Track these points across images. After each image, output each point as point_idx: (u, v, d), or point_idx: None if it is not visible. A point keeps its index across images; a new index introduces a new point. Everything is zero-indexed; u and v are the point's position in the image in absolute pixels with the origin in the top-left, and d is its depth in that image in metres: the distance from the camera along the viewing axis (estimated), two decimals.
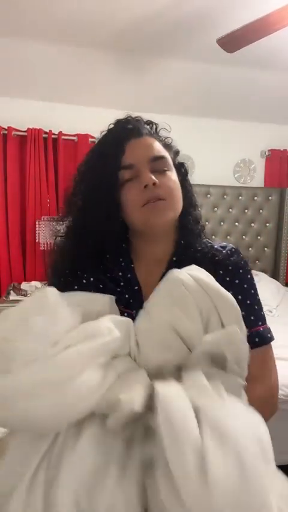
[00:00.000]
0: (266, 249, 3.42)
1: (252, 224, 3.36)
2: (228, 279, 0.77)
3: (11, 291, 2.71)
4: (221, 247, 0.82)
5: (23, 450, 0.58)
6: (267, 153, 3.43)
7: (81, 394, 0.55)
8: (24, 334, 0.57)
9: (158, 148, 0.75)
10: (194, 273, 0.68)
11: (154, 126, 0.81)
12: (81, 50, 2.54)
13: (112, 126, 0.79)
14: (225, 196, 3.26)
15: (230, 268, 0.78)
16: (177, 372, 0.64)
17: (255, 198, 3.33)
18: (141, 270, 0.81)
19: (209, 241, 0.84)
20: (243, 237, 3.37)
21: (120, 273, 0.80)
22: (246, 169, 3.45)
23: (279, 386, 1.62)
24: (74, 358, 0.56)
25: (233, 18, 2.07)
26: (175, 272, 0.68)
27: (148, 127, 0.79)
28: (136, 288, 0.79)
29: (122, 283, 0.79)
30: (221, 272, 0.77)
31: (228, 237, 3.32)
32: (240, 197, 3.30)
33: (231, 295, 0.66)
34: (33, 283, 2.82)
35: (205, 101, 3.08)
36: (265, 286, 2.88)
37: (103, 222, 0.74)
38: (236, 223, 3.33)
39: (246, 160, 3.43)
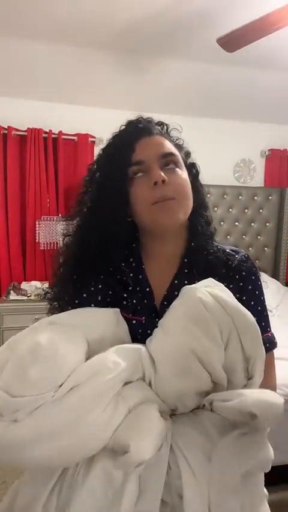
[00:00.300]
0: (266, 248, 3.42)
1: (252, 224, 3.36)
2: (241, 284, 0.78)
3: (11, 291, 2.71)
4: (233, 251, 0.82)
5: (36, 480, 0.59)
6: (267, 153, 3.43)
7: (90, 435, 0.54)
8: (24, 387, 0.56)
9: (169, 146, 0.75)
10: (213, 291, 0.65)
11: (165, 127, 0.80)
12: (81, 50, 2.54)
13: (123, 126, 0.78)
14: (225, 196, 3.26)
15: (244, 274, 0.78)
16: (196, 395, 0.63)
17: (255, 197, 3.33)
18: (152, 270, 0.80)
19: (220, 244, 0.83)
20: (243, 236, 3.37)
21: (131, 274, 0.78)
22: (246, 169, 3.45)
23: (280, 386, 1.63)
24: (80, 399, 0.55)
25: (233, 18, 2.07)
26: (193, 289, 0.65)
27: (159, 127, 0.79)
28: (148, 289, 0.78)
29: (130, 288, 0.77)
30: (237, 277, 0.78)
31: (228, 237, 3.33)
32: (240, 197, 3.30)
33: (251, 315, 0.65)
34: (33, 282, 2.82)
35: (205, 101, 3.08)
36: (265, 286, 2.87)
37: (113, 220, 0.73)
38: (236, 223, 3.33)
39: (246, 160, 3.43)
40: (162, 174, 0.70)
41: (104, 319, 0.70)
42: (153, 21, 2.21)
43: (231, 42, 1.91)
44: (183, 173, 0.75)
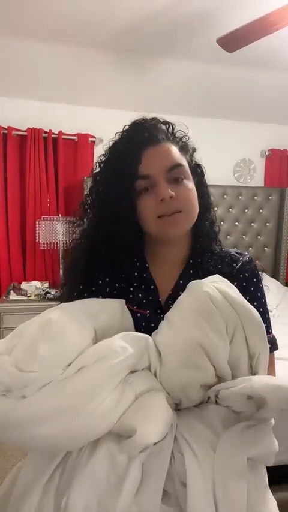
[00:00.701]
0: (266, 248, 3.42)
1: (252, 224, 3.36)
2: (244, 284, 0.79)
3: (11, 291, 2.71)
4: (238, 253, 0.83)
5: (39, 459, 0.59)
6: (267, 153, 3.42)
7: (96, 417, 0.54)
8: (33, 362, 0.56)
9: (175, 155, 0.73)
10: (220, 287, 0.66)
11: (171, 127, 0.79)
12: (81, 50, 2.54)
13: (127, 127, 0.76)
14: (225, 196, 3.26)
15: (247, 275, 0.80)
16: (201, 388, 0.64)
17: (255, 197, 3.32)
18: (156, 269, 0.81)
19: (225, 248, 0.85)
20: (243, 237, 3.37)
21: (135, 273, 0.80)
22: (246, 169, 3.45)
23: None
24: (87, 381, 0.56)
25: (233, 18, 2.07)
26: (201, 284, 0.66)
27: (164, 127, 0.77)
28: (152, 287, 0.79)
29: (135, 284, 0.79)
30: (240, 276, 0.79)
31: (228, 236, 3.32)
32: (240, 197, 3.30)
33: (256, 311, 0.66)
34: (33, 282, 2.82)
35: (205, 101, 3.08)
36: (267, 290, 2.87)
37: (119, 227, 0.74)
38: (236, 223, 3.33)
39: (246, 160, 3.43)
40: (169, 190, 0.70)
41: (110, 309, 0.72)
42: (153, 21, 2.21)
43: (231, 42, 1.91)
44: (189, 183, 0.75)
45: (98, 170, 0.78)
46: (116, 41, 2.45)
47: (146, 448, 0.52)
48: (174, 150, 0.74)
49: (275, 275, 3.40)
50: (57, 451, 0.58)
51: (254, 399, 0.59)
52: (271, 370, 0.77)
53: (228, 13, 2.11)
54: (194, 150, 0.82)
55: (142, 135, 0.73)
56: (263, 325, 0.65)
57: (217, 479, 0.53)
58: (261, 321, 0.65)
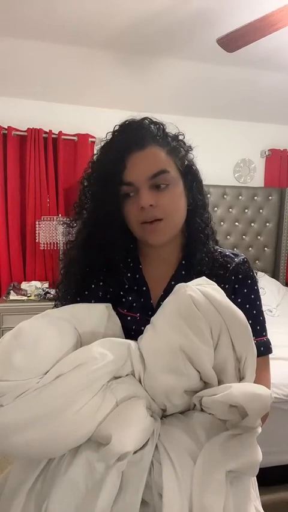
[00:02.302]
0: (266, 249, 3.42)
1: (252, 224, 3.36)
2: (237, 286, 0.78)
3: (11, 291, 2.71)
4: (233, 254, 0.82)
5: (23, 467, 0.59)
6: (267, 153, 3.43)
7: (74, 423, 0.54)
8: (8, 371, 0.56)
9: (160, 161, 0.72)
10: (204, 289, 0.65)
11: (161, 127, 0.77)
12: (81, 50, 2.54)
13: (117, 127, 0.76)
14: (225, 196, 3.26)
15: (240, 276, 0.79)
16: (186, 394, 0.63)
17: (255, 198, 3.33)
18: (149, 270, 0.81)
19: (220, 248, 0.84)
20: (243, 237, 3.37)
21: (128, 274, 0.80)
22: (246, 169, 3.45)
23: (279, 386, 1.62)
24: (65, 388, 0.56)
25: (233, 18, 2.07)
26: (184, 287, 0.65)
27: (154, 128, 0.75)
28: (144, 288, 0.79)
29: (126, 286, 0.79)
30: (233, 278, 0.78)
31: (228, 237, 3.33)
32: (240, 197, 3.30)
33: (242, 314, 0.64)
34: (33, 283, 2.82)
35: (205, 101, 3.08)
36: (265, 286, 2.88)
37: (109, 231, 0.74)
38: (236, 223, 3.33)
39: (246, 160, 3.43)
40: (149, 198, 0.70)
41: (96, 313, 0.71)
42: (153, 21, 2.21)
43: (231, 42, 1.91)
44: (175, 188, 0.74)
45: (89, 171, 0.79)
46: (116, 41, 2.45)
47: (122, 456, 0.51)
48: (160, 154, 0.73)
49: (275, 275, 3.40)
50: (37, 459, 0.58)
51: (237, 407, 0.58)
52: (265, 373, 0.75)
53: (228, 13, 2.11)
54: (190, 149, 0.80)
55: (128, 139, 0.73)
56: (249, 328, 0.64)
57: (194, 492, 0.52)
58: (247, 323, 0.64)
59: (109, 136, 0.77)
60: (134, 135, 0.73)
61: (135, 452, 0.54)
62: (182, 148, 0.78)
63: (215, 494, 0.52)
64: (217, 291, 0.65)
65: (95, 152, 0.80)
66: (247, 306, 0.77)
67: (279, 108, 3.23)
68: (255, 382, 0.65)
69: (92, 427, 0.55)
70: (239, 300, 0.76)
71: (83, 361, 0.58)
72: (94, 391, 0.57)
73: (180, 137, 0.79)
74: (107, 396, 0.59)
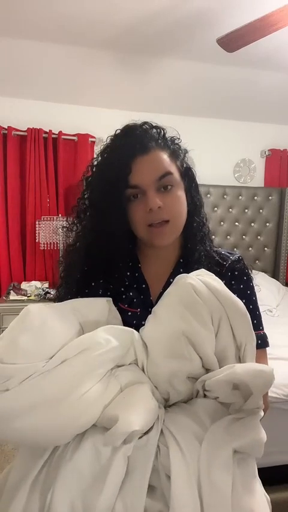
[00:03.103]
0: (266, 249, 3.42)
1: (252, 224, 3.36)
2: (233, 282, 0.81)
3: (11, 291, 2.71)
4: (229, 253, 0.85)
5: (27, 458, 0.58)
6: (267, 153, 3.42)
7: (79, 408, 0.54)
8: (15, 354, 0.56)
9: (164, 164, 0.74)
10: (204, 279, 0.66)
11: (162, 132, 0.79)
12: (81, 50, 2.54)
13: (119, 132, 0.77)
14: (225, 196, 3.26)
15: (236, 273, 0.82)
16: (189, 380, 0.63)
17: (255, 197, 3.33)
18: (148, 269, 0.83)
19: (216, 247, 0.86)
20: (243, 237, 3.37)
21: (128, 273, 0.82)
22: (246, 169, 3.45)
23: (279, 386, 1.62)
24: (70, 372, 0.56)
25: (233, 18, 2.07)
26: (184, 277, 0.67)
27: (155, 133, 0.78)
28: (144, 286, 0.81)
29: (127, 283, 0.81)
30: (229, 274, 0.81)
31: (228, 237, 3.33)
32: (240, 197, 3.30)
33: (241, 302, 0.66)
34: (33, 283, 2.82)
35: (205, 101, 3.08)
36: (265, 286, 2.88)
37: (112, 234, 0.75)
38: (236, 223, 3.33)
39: (246, 160, 3.43)
40: (158, 200, 0.72)
41: (97, 306, 0.72)
42: (154, 21, 2.21)
43: (231, 42, 1.91)
44: (178, 190, 0.76)
45: (89, 175, 0.79)
46: (116, 41, 2.45)
47: (130, 437, 0.52)
48: (164, 157, 0.75)
49: (275, 275, 3.40)
50: (41, 445, 0.57)
51: (240, 390, 0.59)
52: (266, 364, 0.78)
53: (228, 13, 2.11)
54: (186, 152, 0.83)
55: (132, 144, 0.74)
56: (248, 316, 0.66)
57: (202, 471, 0.52)
58: (247, 312, 0.66)
59: (109, 141, 0.78)
60: (137, 139, 0.74)
61: (140, 437, 0.55)
62: (180, 151, 0.81)
63: (222, 471, 0.52)
64: (216, 281, 0.67)
65: (95, 156, 0.80)
66: (243, 301, 0.78)
67: (279, 108, 3.23)
68: None
69: (97, 412, 0.55)
70: (236, 295, 0.78)
71: (87, 346, 0.59)
72: (99, 377, 0.58)
73: (177, 141, 0.81)
74: (112, 382, 0.59)
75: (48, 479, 0.54)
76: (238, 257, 0.84)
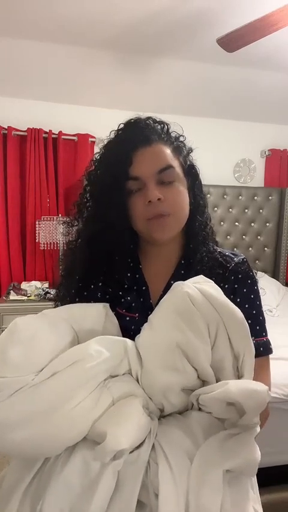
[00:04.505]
0: (266, 249, 3.42)
1: (252, 224, 3.36)
2: (236, 286, 0.78)
3: (11, 291, 2.71)
4: (233, 254, 0.82)
5: (20, 467, 0.58)
6: (267, 153, 3.42)
7: (70, 421, 0.54)
8: (4, 368, 0.56)
9: (166, 157, 0.73)
10: (201, 287, 0.64)
11: (165, 127, 0.78)
12: (81, 50, 2.54)
13: (122, 126, 0.76)
14: (225, 196, 3.26)
15: (240, 276, 0.79)
16: (183, 392, 0.62)
17: (255, 197, 3.33)
18: (149, 270, 0.81)
19: (220, 248, 0.84)
20: (243, 237, 3.37)
21: (128, 274, 0.80)
22: (246, 169, 3.45)
23: (279, 386, 1.62)
24: (60, 385, 0.55)
25: (232, 18, 2.07)
26: (181, 285, 0.65)
27: (159, 127, 0.77)
28: (144, 288, 0.79)
29: (126, 286, 0.79)
30: (232, 278, 0.78)
31: (228, 237, 3.32)
32: (240, 197, 3.30)
33: (240, 311, 0.64)
34: (33, 283, 2.82)
35: (205, 101, 3.08)
36: (265, 286, 2.88)
37: (113, 229, 0.74)
38: (236, 223, 3.33)
39: (246, 160, 3.43)
40: (157, 193, 0.70)
41: (94, 313, 0.71)
42: (154, 21, 2.21)
43: (231, 42, 1.91)
44: (180, 185, 0.75)
45: (92, 169, 0.78)
46: (116, 41, 2.45)
47: (118, 454, 0.51)
48: (166, 151, 0.74)
49: (275, 275, 3.40)
50: (32, 457, 0.57)
51: (235, 406, 0.57)
52: (264, 374, 0.75)
53: (228, 13, 2.11)
54: (190, 150, 0.81)
55: (134, 136, 0.73)
56: (247, 326, 0.64)
57: (191, 491, 0.51)
58: (245, 321, 0.63)
59: (113, 135, 0.77)
60: (140, 132, 0.73)
61: (131, 451, 0.54)
62: (184, 149, 0.80)
63: (212, 493, 0.51)
64: (214, 289, 0.65)
65: (98, 150, 0.79)
66: (246, 305, 0.76)
67: (279, 108, 3.23)
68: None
69: (87, 425, 0.55)
70: (238, 300, 0.76)
71: (78, 358, 0.58)
72: (90, 389, 0.57)
73: (181, 139, 0.80)
74: (104, 394, 0.58)
75: (39, 490, 0.54)
76: (242, 259, 0.81)
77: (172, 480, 0.52)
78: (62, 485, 0.52)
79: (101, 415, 0.56)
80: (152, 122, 0.77)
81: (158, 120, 0.78)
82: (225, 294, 0.66)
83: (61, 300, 0.82)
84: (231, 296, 0.75)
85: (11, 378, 0.55)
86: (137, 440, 0.54)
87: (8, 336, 0.60)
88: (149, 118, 0.77)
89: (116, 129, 0.77)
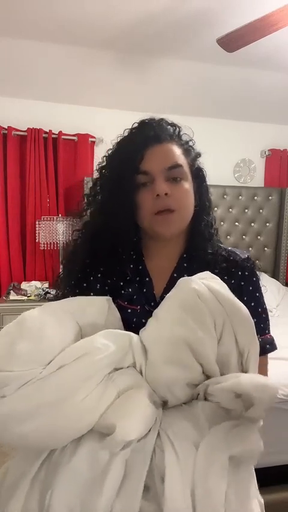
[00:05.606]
0: (266, 249, 3.42)
1: (252, 224, 3.36)
2: (242, 283, 0.80)
3: (11, 291, 2.71)
4: (237, 251, 0.85)
5: (26, 458, 0.59)
6: (267, 153, 3.43)
7: (77, 413, 0.54)
8: (12, 361, 0.56)
9: (176, 155, 0.76)
10: (208, 283, 0.65)
11: (177, 129, 0.81)
12: (81, 50, 2.54)
13: (136, 124, 0.79)
14: (225, 196, 3.26)
15: (246, 273, 0.81)
16: (188, 386, 0.63)
17: (255, 197, 3.32)
18: (152, 262, 0.83)
19: (224, 246, 0.85)
20: (243, 237, 3.37)
21: (131, 265, 0.81)
22: (246, 169, 3.45)
23: (279, 386, 1.63)
24: (68, 378, 0.56)
25: (232, 18, 2.07)
26: (188, 280, 0.66)
27: (171, 129, 0.80)
28: (147, 279, 0.80)
29: (129, 277, 0.80)
30: (239, 273, 0.80)
31: (228, 237, 3.32)
32: (240, 197, 3.30)
33: (245, 308, 0.65)
34: (33, 282, 2.82)
35: (205, 101, 3.08)
36: (264, 290, 2.87)
37: (119, 221, 0.76)
38: (236, 223, 3.33)
39: (246, 160, 3.43)
40: (165, 187, 0.73)
41: (96, 306, 0.72)
42: (154, 21, 2.21)
43: (231, 42, 1.91)
44: (186, 183, 0.77)
45: (103, 164, 0.81)
46: (116, 41, 2.45)
47: (127, 445, 0.52)
48: (176, 150, 0.76)
49: (275, 275, 3.40)
50: (40, 449, 0.58)
51: (242, 399, 0.58)
52: (263, 371, 0.76)
53: (228, 13, 2.11)
54: (199, 155, 0.84)
55: (147, 133, 0.76)
56: (253, 322, 0.65)
57: (197, 477, 0.52)
58: (251, 318, 0.65)
59: (126, 133, 0.79)
60: (153, 131, 0.76)
61: (138, 440, 0.55)
62: (192, 152, 0.82)
63: (217, 477, 0.52)
64: (220, 285, 0.66)
65: (111, 151, 0.81)
66: (252, 304, 0.77)
67: (279, 108, 3.23)
68: None
69: (94, 417, 0.55)
70: (245, 298, 0.77)
71: (86, 351, 0.59)
72: (96, 382, 0.57)
73: (191, 143, 0.83)
74: (109, 387, 0.59)
75: (47, 480, 0.54)
76: (248, 255, 0.84)
77: (178, 465, 0.53)
78: (71, 475, 0.53)
79: (107, 407, 0.57)
80: (164, 124, 0.80)
81: (170, 122, 0.81)
82: (230, 288, 0.67)
83: (62, 289, 0.83)
84: (238, 294, 0.76)
85: (18, 371, 0.55)
86: (144, 430, 0.56)
87: (16, 329, 0.61)
88: (162, 119, 0.80)
89: (130, 127, 0.80)
